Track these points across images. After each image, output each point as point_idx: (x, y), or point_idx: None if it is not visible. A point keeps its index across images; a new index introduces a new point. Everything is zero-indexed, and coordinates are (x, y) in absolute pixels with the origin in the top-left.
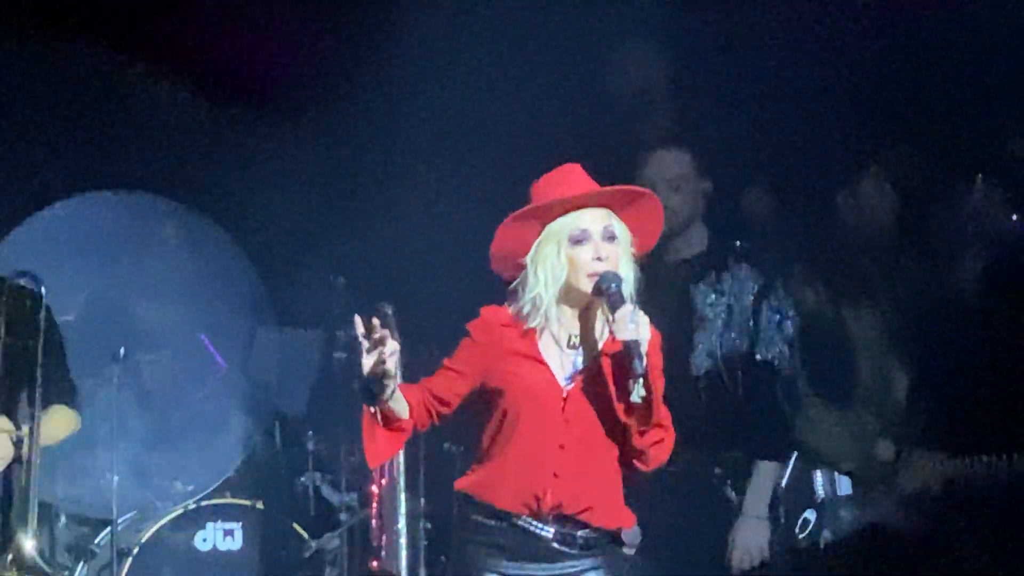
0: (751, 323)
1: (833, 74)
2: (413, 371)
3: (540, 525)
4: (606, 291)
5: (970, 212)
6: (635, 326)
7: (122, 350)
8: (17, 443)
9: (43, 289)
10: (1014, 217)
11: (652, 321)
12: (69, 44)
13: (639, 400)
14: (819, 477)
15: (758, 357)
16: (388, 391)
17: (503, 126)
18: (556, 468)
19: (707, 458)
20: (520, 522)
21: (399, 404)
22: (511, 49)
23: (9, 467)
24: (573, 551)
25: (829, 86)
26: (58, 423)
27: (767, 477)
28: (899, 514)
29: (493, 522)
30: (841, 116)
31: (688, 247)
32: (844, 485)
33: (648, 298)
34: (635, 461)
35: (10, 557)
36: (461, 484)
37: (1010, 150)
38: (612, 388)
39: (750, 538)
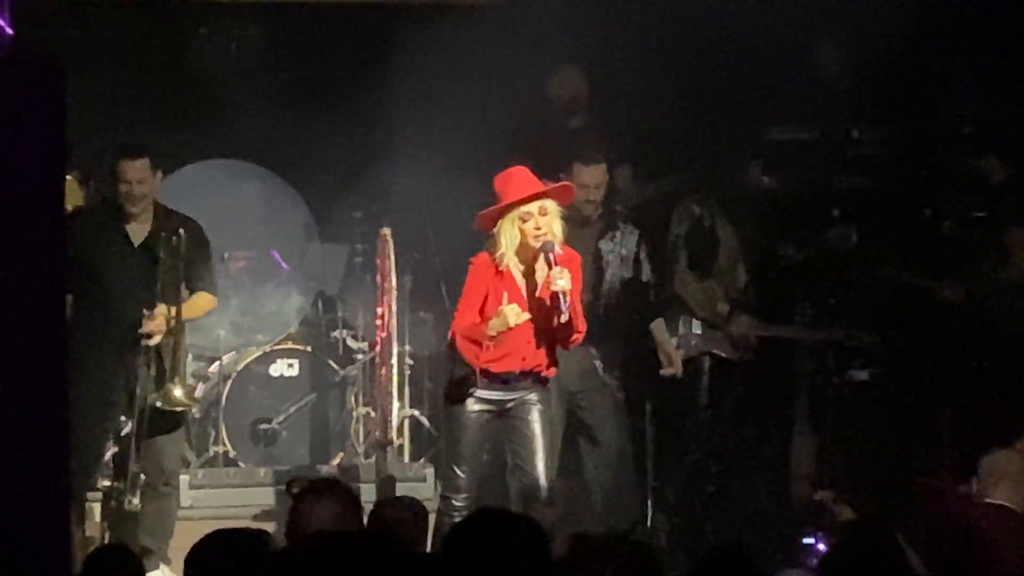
0: (634, 261)
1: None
2: (408, 276)
3: (518, 375)
4: (545, 254)
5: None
6: (563, 281)
7: (225, 254)
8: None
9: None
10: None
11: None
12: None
13: (564, 321)
14: (682, 320)
15: (643, 279)
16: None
17: (479, 123)
18: (524, 352)
19: (602, 352)
20: (503, 378)
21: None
22: (489, 69)
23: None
24: (527, 386)
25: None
26: (201, 304)
27: (661, 327)
28: (727, 346)
29: (484, 376)
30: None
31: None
32: (696, 326)
33: (576, 246)
34: (560, 345)
35: (159, 402)
36: (482, 362)
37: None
38: (549, 308)
39: (673, 354)
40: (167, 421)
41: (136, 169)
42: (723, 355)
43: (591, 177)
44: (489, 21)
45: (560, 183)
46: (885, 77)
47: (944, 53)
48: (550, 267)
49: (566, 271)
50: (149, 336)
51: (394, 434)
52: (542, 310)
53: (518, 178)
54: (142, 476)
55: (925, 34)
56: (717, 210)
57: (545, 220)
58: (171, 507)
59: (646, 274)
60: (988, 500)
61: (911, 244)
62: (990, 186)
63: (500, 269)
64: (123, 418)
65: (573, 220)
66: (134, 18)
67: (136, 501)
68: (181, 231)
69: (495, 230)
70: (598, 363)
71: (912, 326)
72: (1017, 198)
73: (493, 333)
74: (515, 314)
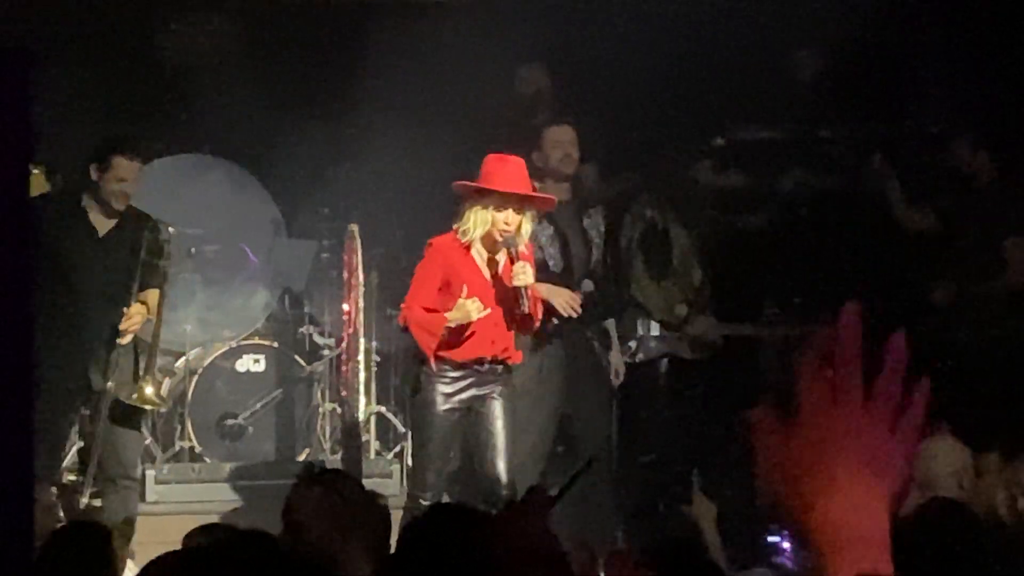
0: (605, 243)
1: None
2: (375, 273)
3: (479, 366)
4: (508, 249)
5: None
6: (524, 276)
7: (192, 249)
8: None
9: (170, 229)
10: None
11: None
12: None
13: (524, 311)
14: (640, 322)
15: (609, 262)
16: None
17: (448, 120)
18: (492, 335)
19: (583, 325)
20: (472, 366)
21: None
22: (457, 66)
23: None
24: (493, 379)
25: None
26: (155, 300)
27: (614, 328)
28: (683, 347)
29: (450, 367)
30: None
31: (569, 192)
32: (654, 328)
33: (556, 221)
34: (518, 330)
35: (135, 395)
36: (441, 351)
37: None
38: (511, 296)
39: (617, 358)
40: (129, 416)
41: (133, 169)
42: (683, 356)
43: (564, 134)
44: (457, 18)
45: (546, 195)
46: (853, 77)
47: (912, 53)
48: (512, 261)
49: (528, 266)
50: (122, 333)
51: (361, 430)
52: (505, 294)
53: (513, 169)
54: (93, 477)
55: (893, 34)
56: (669, 211)
57: (516, 219)
58: (133, 502)
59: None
60: (932, 495)
61: (886, 243)
62: (978, 185)
63: (464, 243)
64: (84, 411)
65: (553, 180)
66: (103, 11)
67: (85, 500)
68: (170, 229)
69: (467, 207)
70: (595, 343)
71: (880, 324)
72: (1007, 202)
73: (452, 325)
74: (476, 309)
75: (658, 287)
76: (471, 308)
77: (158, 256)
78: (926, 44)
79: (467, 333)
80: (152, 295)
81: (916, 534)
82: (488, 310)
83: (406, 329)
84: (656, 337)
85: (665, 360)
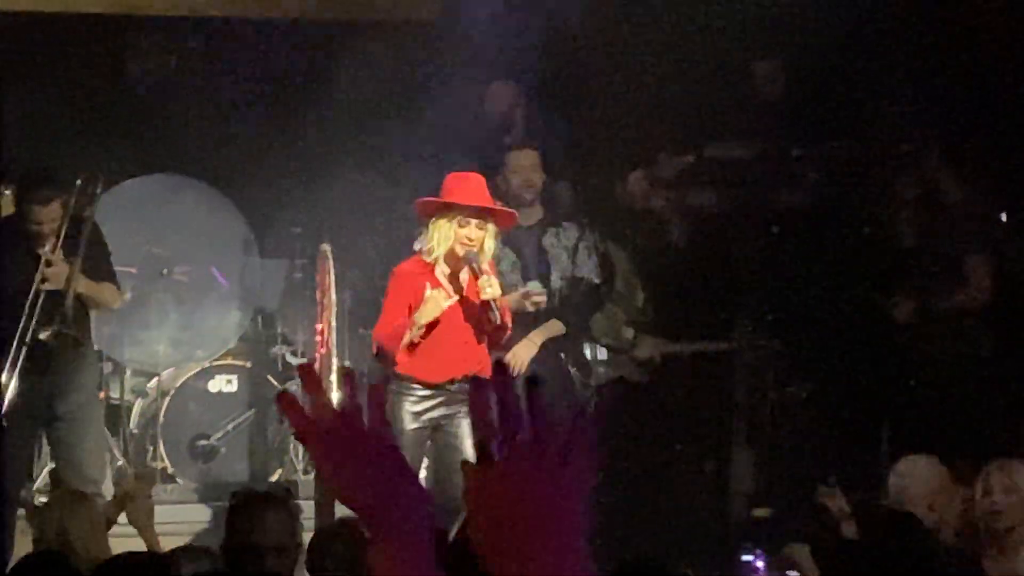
0: (574, 258)
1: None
2: (348, 292)
3: (450, 387)
4: (469, 264)
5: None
6: (491, 289)
7: (165, 270)
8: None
9: (99, 187)
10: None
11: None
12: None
13: (495, 323)
14: (587, 347)
15: (578, 276)
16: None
17: (418, 138)
18: (463, 354)
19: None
20: (444, 387)
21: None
22: (427, 85)
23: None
24: (463, 397)
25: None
26: (111, 293)
27: (552, 327)
28: (633, 372)
29: (419, 388)
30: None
31: (536, 215)
32: (601, 353)
33: (519, 248)
34: (491, 344)
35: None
36: (401, 368)
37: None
38: (478, 310)
39: (520, 349)
40: (86, 429)
41: (48, 212)
42: (631, 379)
43: (525, 158)
44: (424, 38)
45: (507, 209)
46: (824, 95)
47: (880, 71)
48: (476, 276)
49: (494, 279)
50: (44, 280)
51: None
52: (471, 311)
53: (473, 185)
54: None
55: (864, 53)
56: (608, 234)
57: (479, 234)
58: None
59: (583, 270)
60: (897, 509)
61: (856, 261)
62: (943, 202)
63: (427, 265)
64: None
65: (515, 205)
66: (74, 32)
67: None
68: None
69: (430, 224)
70: (572, 369)
71: (851, 342)
72: (971, 220)
73: (422, 321)
74: (444, 297)
75: (603, 311)
76: (439, 297)
77: (90, 204)
78: (894, 63)
79: (439, 359)
80: (110, 291)
81: (867, 547)
82: (456, 297)
83: (378, 352)
84: (604, 362)
85: (611, 385)
